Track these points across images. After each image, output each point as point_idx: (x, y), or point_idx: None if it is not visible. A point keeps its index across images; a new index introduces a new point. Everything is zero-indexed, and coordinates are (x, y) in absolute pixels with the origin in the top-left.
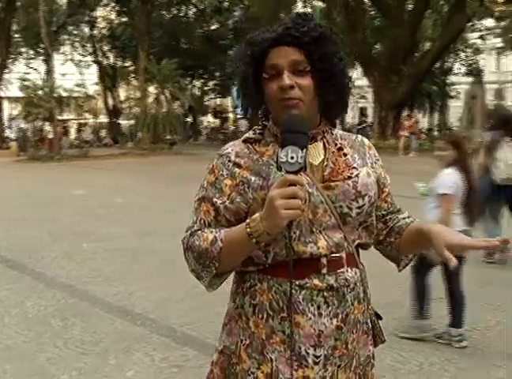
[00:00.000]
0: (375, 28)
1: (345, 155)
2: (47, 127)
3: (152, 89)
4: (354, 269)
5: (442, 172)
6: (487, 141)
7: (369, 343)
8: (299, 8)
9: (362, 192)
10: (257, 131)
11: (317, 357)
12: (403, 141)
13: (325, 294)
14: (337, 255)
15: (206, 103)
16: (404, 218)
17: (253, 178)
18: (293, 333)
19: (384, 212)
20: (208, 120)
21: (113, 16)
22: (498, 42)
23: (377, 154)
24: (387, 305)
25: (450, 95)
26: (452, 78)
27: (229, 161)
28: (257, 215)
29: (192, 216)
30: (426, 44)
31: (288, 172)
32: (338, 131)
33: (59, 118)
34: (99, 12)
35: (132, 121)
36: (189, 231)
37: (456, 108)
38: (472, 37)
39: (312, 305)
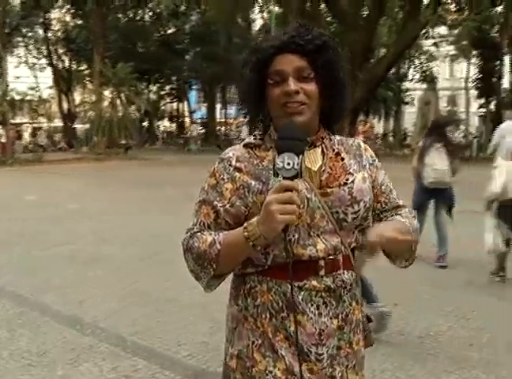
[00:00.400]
0: (331, 34)
1: (342, 159)
2: (0, 131)
3: (107, 93)
4: (350, 271)
5: None
6: (419, 146)
7: (364, 344)
8: (256, 12)
9: (357, 198)
10: (258, 136)
11: (319, 355)
12: None
13: (323, 294)
14: (334, 258)
15: (163, 108)
16: (398, 214)
17: (253, 183)
18: (295, 331)
19: (378, 211)
20: (165, 124)
21: (68, 18)
22: (451, 49)
23: (373, 155)
24: None
25: (405, 101)
26: (407, 84)
27: (230, 165)
28: (254, 219)
29: (192, 218)
30: (381, 50)
31: (284, 178)
32: (336, 136)
33: (12, 121)
34: (54, 14)
35: (87, 126)
36: (189, 233)
37: (410, 114)
38: (426, 44)
39: (312, 305)
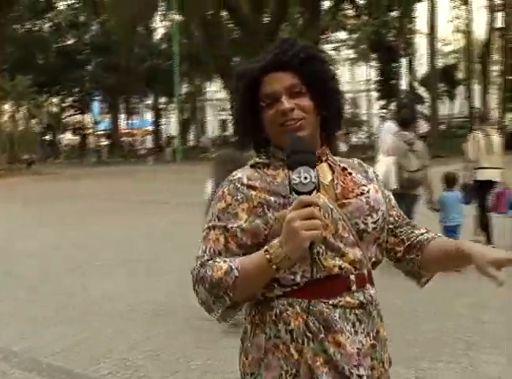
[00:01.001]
0: (233, 41)
1: (350, 174)
2: None
3: (6, 107)
4: (373, 286)
5: None
6: None
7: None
8: (157, 21)
9: (375, 206)
10: (263, 156)
11: (360, 376)
12: None
13: (357, 311)
14: (361, 272)
15: (65, 120)
16: (422, 233)
17: (272, 199)
18: (337, 352)
19: (391, 226)
20: (68, 137)
21: None
22: (351, 53)
23: (376, 171)
24: None
25: None
26: None
27: (242, 185)
28: (275, 240)
29: (201, 246)
30: None
31: (301, 193)
32: (333, 156)
33: None
34: None
35: None
36: (199, 262)
37: None
38: (327, 49)
39: (348, 323)
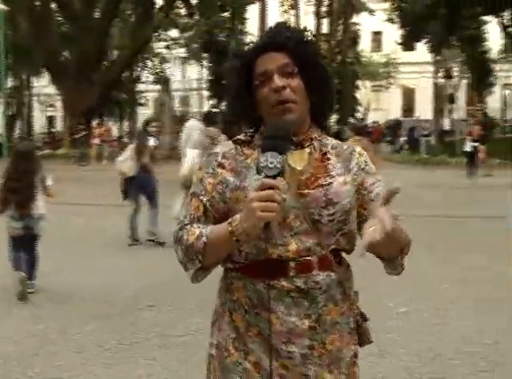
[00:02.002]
0: (63, 35)
1: (328, 160)
2: None
3: None
4: (327, 272)
5: None
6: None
7: (352, 343)
8: None
9: (333, 200)
10: (248, 134)
11: (289, 352)
12: (95, 150)
13: (293, 294)
14: (306, 258)
15: None
16: None
17: (231, 179)
18: (267, 328)
19: (363, 218)
20: None
21: None
22: (182, 52)
23: (368, 160)
24: None
25: (140, 103)
26: (141, 86)
27: (215, 160)
28: (238, 215)
29: (183, 210)
30: (114, 53)
31: (266, 176)
32: (332, 140)
33: None
34: None
35: None
36: (179, 225)
37: (145, 115)
38: (159, 47)
39: (282, 304)
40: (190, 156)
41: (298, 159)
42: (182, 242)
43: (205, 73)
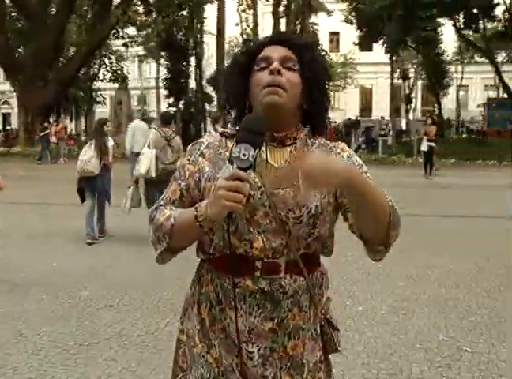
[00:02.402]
0: (18, 31)
1: None
2: None
3: None
4: (295, 277)
5: None
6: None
7: (317, 349)
8: None
9: (300, 203)
10: (236, 127)
11: (250, 352)
12: (52, 148)
13: (257, 296)
14: (273, 260)
15: None
16: None
17: (207, 169)
18: (229, 325)
19: (346, 208)
20: None
21: None
22: (140, 50)
23: (359, 161)
24: None
25: (97, 101)
26: (98, 84)
27: (198, 149)
28: (205, 201)
29: (164, 192)
30: (71, 49)
31: (238, 167)
32: (321, 140)
33: None
34: None
35: None
36: (156, 205)
37: (102, 113)
38: (116, 44)
39: (245, 303)
40: (148, 155)
41: (277, 157)
42: (153, 221)
43: (163, 71)
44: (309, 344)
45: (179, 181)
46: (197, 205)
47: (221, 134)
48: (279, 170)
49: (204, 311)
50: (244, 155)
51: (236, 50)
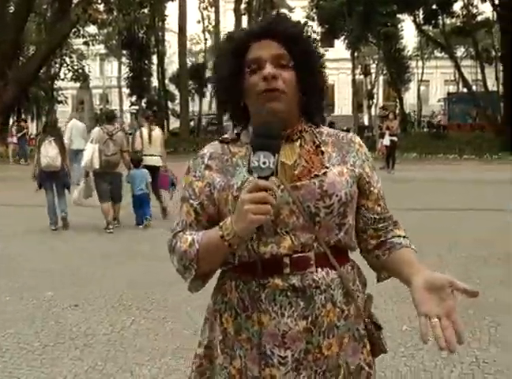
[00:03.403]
0: None
1: (322, 153)
2: None
3: None
4: (327, 270)
5: None
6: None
7: (360, 351)
8: None
9: (328, 191)
10: (235, 131)
11: (282, 358)
12: (12, 148)
13: (289, 294)
14: (303, 255)
15: None
16: (399, 236)
17: (217, 179)
18: (258, 332)
19: (376, 216)
20: None
21: None
22: (101, 48)
23: (368, 153)
24: None
25: (58, 100)
26: (59, 83)
27: (202, 163)
28: (229, 218)
29: (177, 217)
30: (31, 48)
31: (259, 177)
32: (326, 129)
33: None
34: None
35: None
36: (172, 233)
37: (64, 113)
38: (77, 43)
39: (276, 304)
40: (90, 150)
41: (289, 154)
42: (175, 250)
43: (125, 70)
44: (349, 345)
45: (191, 201)
46: (221, 224)
47: (221, 141)
48: (295, 166)
49: (227, 320)
50: (264, 163)
51: (221, 48)
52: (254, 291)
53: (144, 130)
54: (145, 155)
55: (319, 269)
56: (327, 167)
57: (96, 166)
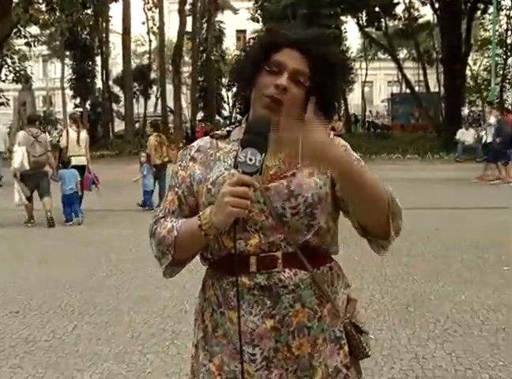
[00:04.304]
0: None
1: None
2: None
3: None
4: (295, 270)
5: None
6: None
7: (337, 353)
8: None
9: (295, 192)
10: (228, 128)
11: (252, 355)
12: None
13: (255, 292)
14: (269, 254)
15: None
16: None
17: (198, 172)
18: (231, 328)
19: (344, 204)
20: None
21: None
22: (44, 49)
23: (355, 155)
24: None
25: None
26: (0, 85)
27: (189, 154)
28: (209, 208)
29: (161, 203)
30: None
31: (244, 173)
32: None
33: None
34: None
35: None
36: (155, 219)
37: (5, 115)
38: (19, 43)
39: (244, 302)
40: (20, 153)
41: (271, 157)
42: (155, 235)
43: (69, 71)
44: (325, 347)
45: (176, 189)
46: (200, 214)
47: (211, 136)
48: (271, 167)
49: (207, 318)
50: (251, 159)
51: (256, 37)
52: (224, 289)
53: (72, 131)
54: (74, 155)
55: (287, 269)
56: (298, 169)
57: (27, 167)
